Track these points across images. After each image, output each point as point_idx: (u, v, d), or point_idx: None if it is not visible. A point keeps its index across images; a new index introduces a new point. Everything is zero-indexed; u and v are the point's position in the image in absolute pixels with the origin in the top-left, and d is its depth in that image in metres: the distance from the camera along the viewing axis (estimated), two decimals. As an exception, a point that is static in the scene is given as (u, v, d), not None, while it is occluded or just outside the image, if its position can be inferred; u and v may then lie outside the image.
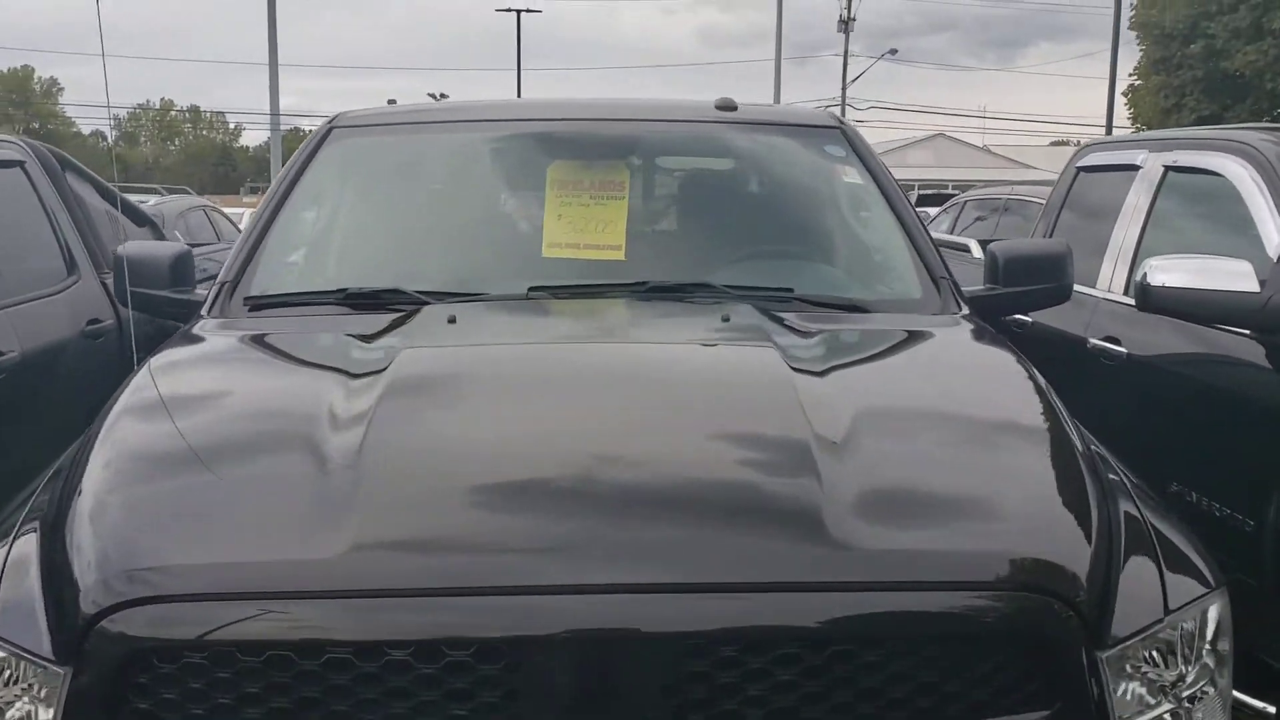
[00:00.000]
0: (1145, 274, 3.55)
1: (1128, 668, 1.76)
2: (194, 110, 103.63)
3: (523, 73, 44.52)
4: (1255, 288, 3.36)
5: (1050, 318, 4.66)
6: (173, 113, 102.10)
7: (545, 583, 1.55)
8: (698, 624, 1.54)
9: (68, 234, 4.63)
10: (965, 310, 2.93)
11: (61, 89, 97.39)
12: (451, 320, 2.52)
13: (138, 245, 3.30)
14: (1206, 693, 1.88)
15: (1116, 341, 4.11)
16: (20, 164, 4.51)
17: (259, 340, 2.61)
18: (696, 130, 3.44)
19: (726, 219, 3.26)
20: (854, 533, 1.64)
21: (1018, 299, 3.23)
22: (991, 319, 3.24)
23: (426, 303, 2.69)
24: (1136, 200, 4.37)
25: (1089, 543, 1.76)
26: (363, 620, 1.53)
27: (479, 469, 1.80)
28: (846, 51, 45.50)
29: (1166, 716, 1.79)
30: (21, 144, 4.64)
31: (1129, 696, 1.75)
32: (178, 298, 3.06)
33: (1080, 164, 4.99)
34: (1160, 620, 1.78)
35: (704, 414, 2.03)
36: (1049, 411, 2.17)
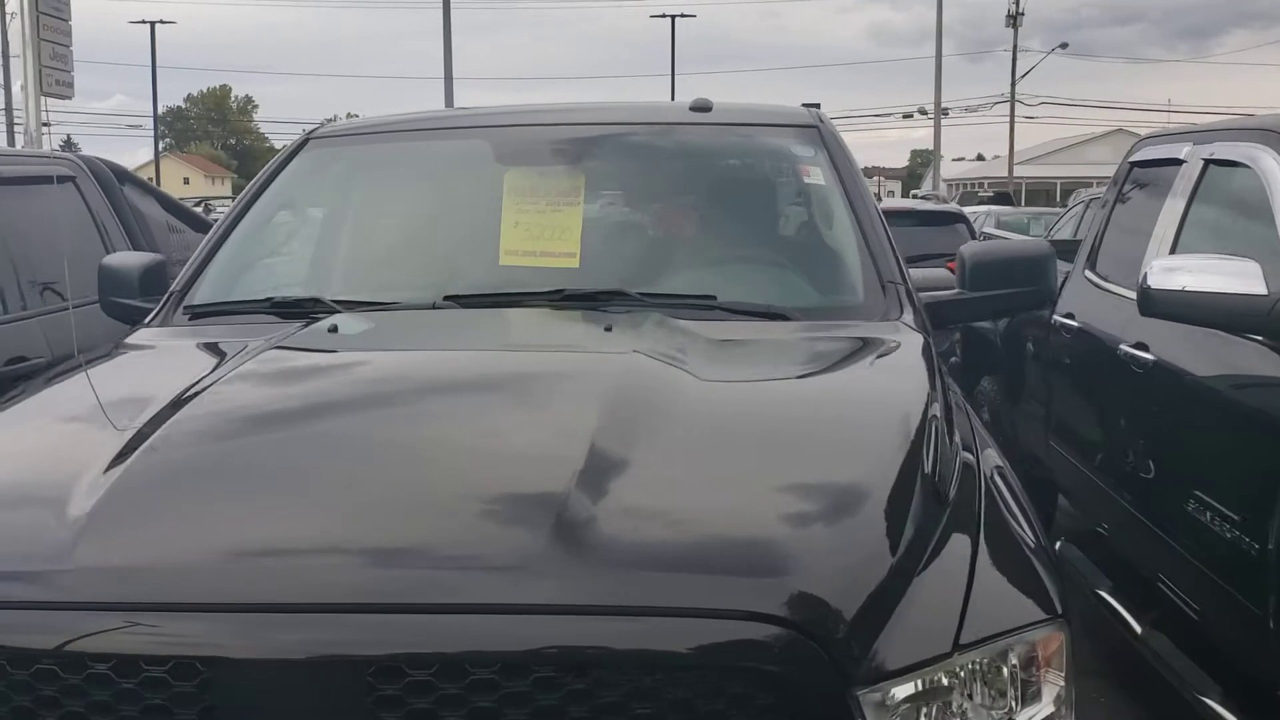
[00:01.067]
0: (1146, 276, 3.30)
1: (913, 707, 1.62)
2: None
3: (679, 78, 44.59)
4: (1261, 289, 3.08)
5: (1095, 321, 4.41)
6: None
7: (242, 600, 1.52)
8: (390, 646, 1.49)
9: (117, 245, 4.84)
10: (909, 317, 2.77)
11: (256, 106, 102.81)
12: (332, 329, 2.53)
13: (118, 256, 3.43)
14: None
15: (1145, 348, 3.83)
16: (72, 179, 4.76)
17: (160, 350, 2.67)
18: (658, 134, 3.37)
19: (678, 225, 3.19)
20: (577, 553, 1.55)
21: (987, 304, 3.05)
22: (951, 323, 3.07)
23: (337, 311, 2.72)
24: (1176, 197, 4.07)
25: (857, 570, 1.62)
26: (66, 632, 1.53)
27: (228, 482, 1.79)
28: (1015, 46, 44.11)
29: None
30: (75, 160, 4.90)
31: None
32: (147, 306, 3.16)
33: (1133, 159, 4.69)
34: (947, 655, 1.62)
35: (487, 427, 1.98)
36: (907, 426, 2.02)
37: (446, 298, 2.77)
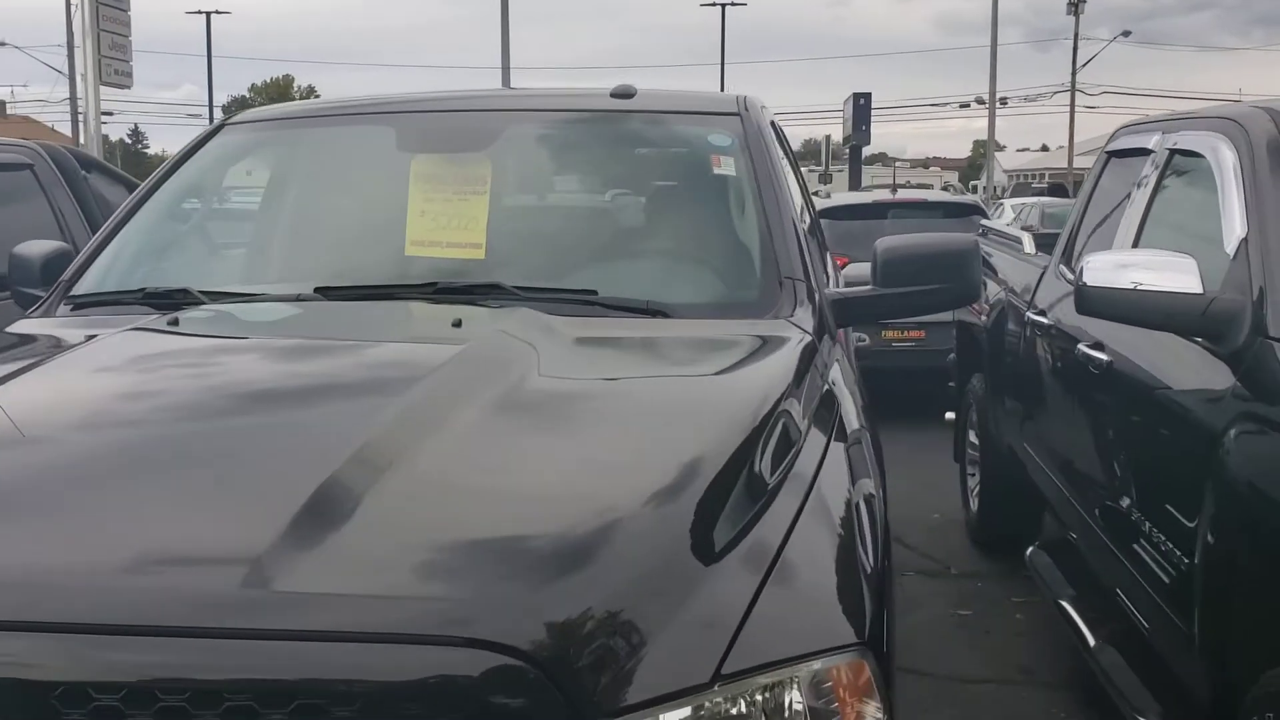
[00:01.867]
0: (1082, 271, 3.12)
1: None
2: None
3: (731, 68, 44.08)
4: (1196, 288, 2.89)
5: (1062, 319, 4.22)
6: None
7: None
8: (75, 671, 1.38)
9: (76, 233, 4.82)
10: (802, 315, 2.62)
11: (318, 96, 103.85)
12: (172, 322, 2.45)
13: (28, 244, 3.37)
14: None
15: (1101, 348, 3.64)
16: (29, 166, 4.74)
17: (17, 342, 2.60)
18: (571, 122, 3.24)
19: (576, 216, 3.08)
20: (287, 573, 1.44)
21: (901, 301, 2.88)
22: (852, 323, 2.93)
23: (202, 302, 2.64)
24: (1142, 188, 3.87)
25: (597, 593, 1.48)
26: None
27: None
28: (1076, 34, 43.20)
29: None
30: (33, 147, 4.87)
31: None
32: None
33: (1110, 148, 4.48)
34: (706, 685, 1.48)
35: (249, 427, 1.88)
36: (723, 434, 1.87)
37: (316, 289, 2.68)
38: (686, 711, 1.47)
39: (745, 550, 1.66)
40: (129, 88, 18.63)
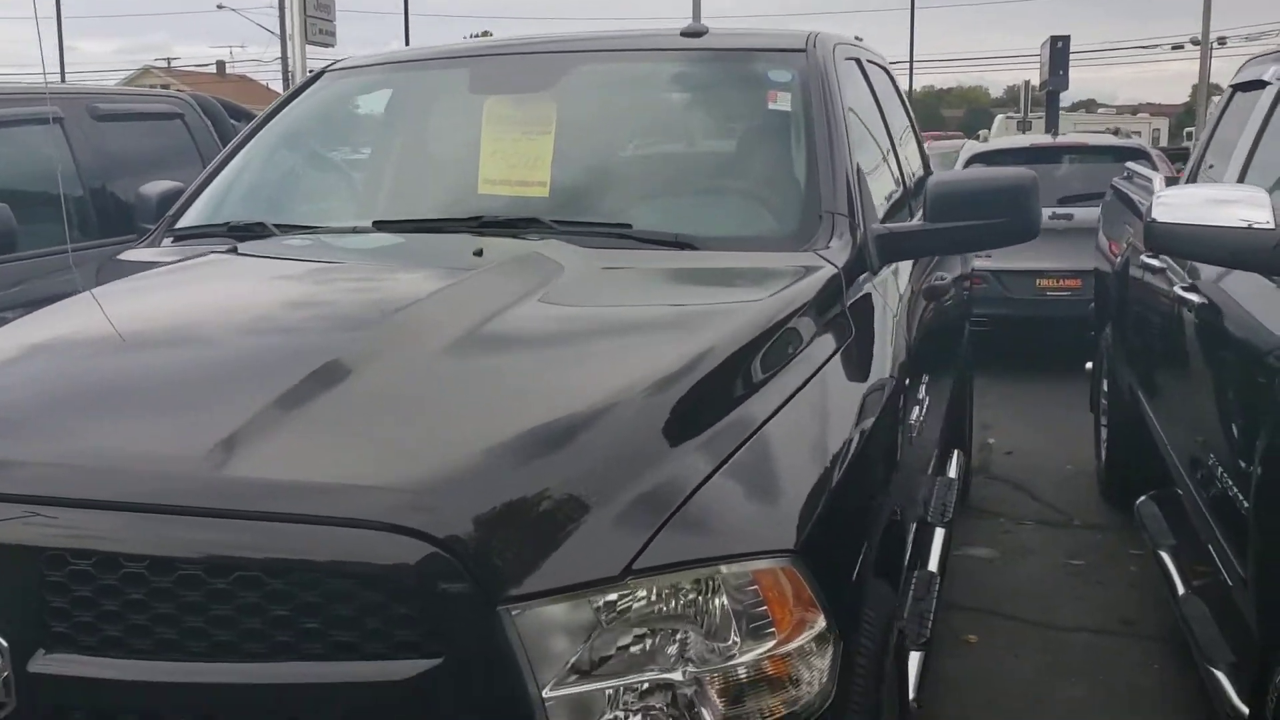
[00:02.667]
0: (1152, 206, 3.01)
1: (574, 625, 1.56)
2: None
3: (921, 11, 42.53)
4: (1269, 222, 2.76)
5: (1172, 262, 4.05)
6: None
7: None
8: (54, 539, 1.58)
9: (223, 178, 5.18)
10: (836, 248, 2.65)
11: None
12: (231, 250, 2.67)
13: (150, 184, 3.68)
14: (734, 672, 1.60)
15: (1194, 289, 3.51)
16: (179, 116, 5.11)
17: (113, 267, 2.88)
18: (634, 61, 3.32)
19: (632, 154, 3.16)
20: (235, 459, 1.60)
21: (951, 236, 2.86)
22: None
23: (272, 234, 2.86)
24: (1253, 122, 3.67)
25: (513, 485, 1.59)
26: None
27: None
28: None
29: (646, 683, 1.59)
30: (184, 98, 5.25)
31: (580, 657, 1.56)
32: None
33: (1235, 81, 4.25)
34: (615, 578, 1.56)
35: (238, 337, 2.07)
36: (693, 353, 1.95)
37: (374, 223, 2.86)
38: (598, 602, 1.57)
39: (688, 456, 1.75)
40: (332, 46, 19.57)
